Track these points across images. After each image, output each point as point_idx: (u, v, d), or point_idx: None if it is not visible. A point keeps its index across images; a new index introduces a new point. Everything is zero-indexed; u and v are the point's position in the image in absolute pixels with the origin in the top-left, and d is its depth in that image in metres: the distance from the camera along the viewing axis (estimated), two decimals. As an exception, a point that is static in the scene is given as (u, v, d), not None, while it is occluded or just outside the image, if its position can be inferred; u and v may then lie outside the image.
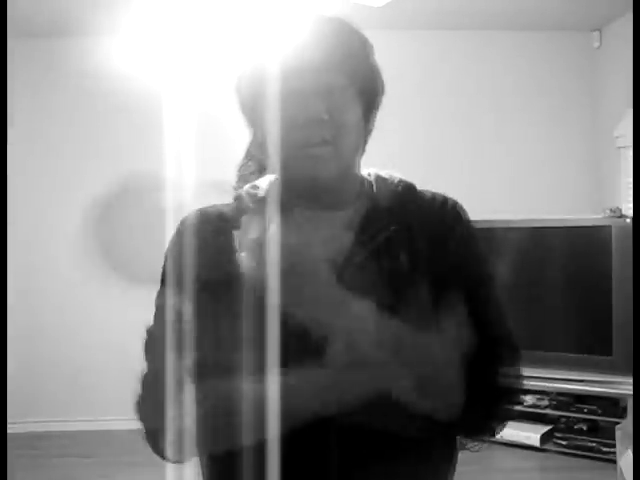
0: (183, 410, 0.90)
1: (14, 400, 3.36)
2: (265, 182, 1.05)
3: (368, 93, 0.98)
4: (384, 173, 1.07)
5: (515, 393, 1.04)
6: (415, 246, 0.97)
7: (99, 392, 4.26)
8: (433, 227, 1.01)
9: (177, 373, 0.93)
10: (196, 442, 0.90)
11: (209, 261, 0.97)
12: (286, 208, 0.99)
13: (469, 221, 1.05)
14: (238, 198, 1.04)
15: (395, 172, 1.08)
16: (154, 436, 0.93)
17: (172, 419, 0.91)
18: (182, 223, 1.04)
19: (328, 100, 0.93)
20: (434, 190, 1.07)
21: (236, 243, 0.96)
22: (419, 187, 1.07)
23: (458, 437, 1.05)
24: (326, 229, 0.99)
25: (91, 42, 4.12)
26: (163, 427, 0.90)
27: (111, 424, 4.19)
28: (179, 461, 0.94)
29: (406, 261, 0.97)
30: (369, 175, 1.06)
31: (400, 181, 1.05)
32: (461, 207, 1.05)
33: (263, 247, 0.91)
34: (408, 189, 1.05)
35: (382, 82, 1.01)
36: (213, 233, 1.00)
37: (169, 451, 0.91)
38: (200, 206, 1.07)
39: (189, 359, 0.92)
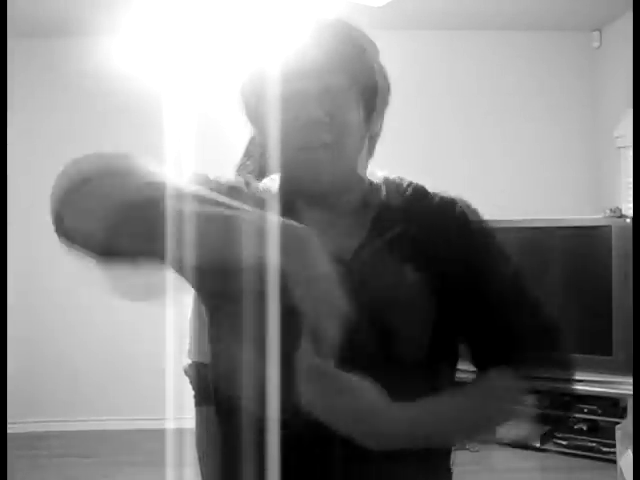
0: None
1: (14, 400, 3.36)
2: (277, 177, 1.04)
3: (370, 95, 0.97)
4: (393, 176, 1.05)
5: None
6: (423, 251, 0.97)
7: (99, 392, 4.25)
8: (443, 231, 1.00)
9: None
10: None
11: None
12: (293, 208, 0.98)
13: (480, 221, 1.04)
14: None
15: (405, 175, 1.06)
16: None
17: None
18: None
19: (329, 102, 0.92)
20: (443, 192, 1.05)
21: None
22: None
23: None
24: (334, 233, 0.96)
25: (91, 42, 4.12)
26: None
27: (111, 424, 4.18)
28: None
29: (411, 267, 0.96)
30: (378, 179, 1.04)
31: (410, 184, 1.04)
32: (470, 208, 1.04)
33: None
34: (419, 192, 1.03)
35: (387, 84, 1.00)
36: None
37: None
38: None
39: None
